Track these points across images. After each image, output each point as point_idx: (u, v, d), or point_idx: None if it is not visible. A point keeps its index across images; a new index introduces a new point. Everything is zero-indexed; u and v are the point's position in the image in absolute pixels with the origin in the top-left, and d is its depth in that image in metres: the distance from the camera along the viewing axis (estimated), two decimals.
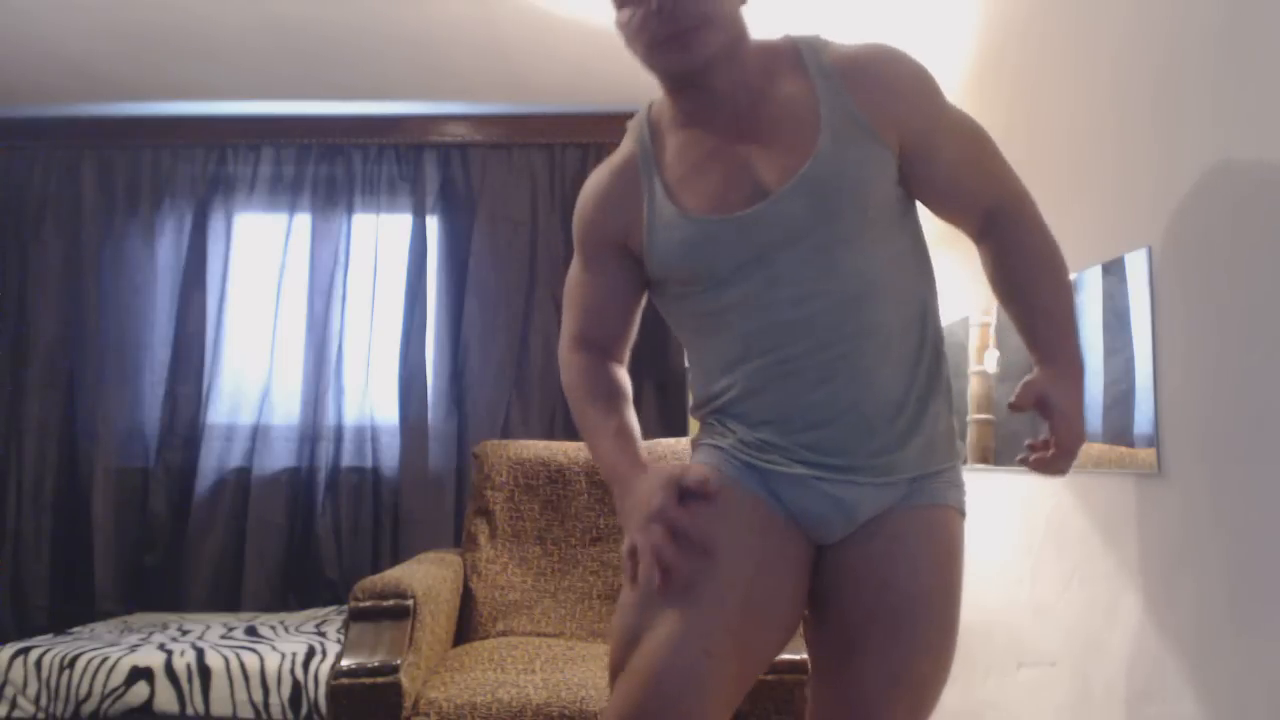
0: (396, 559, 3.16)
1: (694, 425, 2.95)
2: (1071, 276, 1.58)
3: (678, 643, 1.06)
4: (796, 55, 1.20)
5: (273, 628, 2.76)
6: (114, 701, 2.32)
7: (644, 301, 1.34)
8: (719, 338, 1.21)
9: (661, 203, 1.21)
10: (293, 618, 2.94)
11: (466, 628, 2.48)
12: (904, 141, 1.18)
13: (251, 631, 2.70)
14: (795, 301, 1.15)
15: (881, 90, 1.16)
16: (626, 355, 1.37)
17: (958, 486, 1.24)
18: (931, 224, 1.27)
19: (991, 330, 1.90)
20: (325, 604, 3.18)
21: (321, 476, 3.26)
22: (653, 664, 1.06)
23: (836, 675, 1.19)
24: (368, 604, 2.01)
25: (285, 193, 3.42)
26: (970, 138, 1.22)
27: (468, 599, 2.50)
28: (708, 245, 1.17)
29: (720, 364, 1.22)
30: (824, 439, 1.16)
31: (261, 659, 2.37)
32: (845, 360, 1.15)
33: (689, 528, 1.10)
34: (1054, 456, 1.16)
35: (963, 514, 1.24)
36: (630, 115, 1.33)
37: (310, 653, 2.41)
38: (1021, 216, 1.21)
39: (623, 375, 1.35)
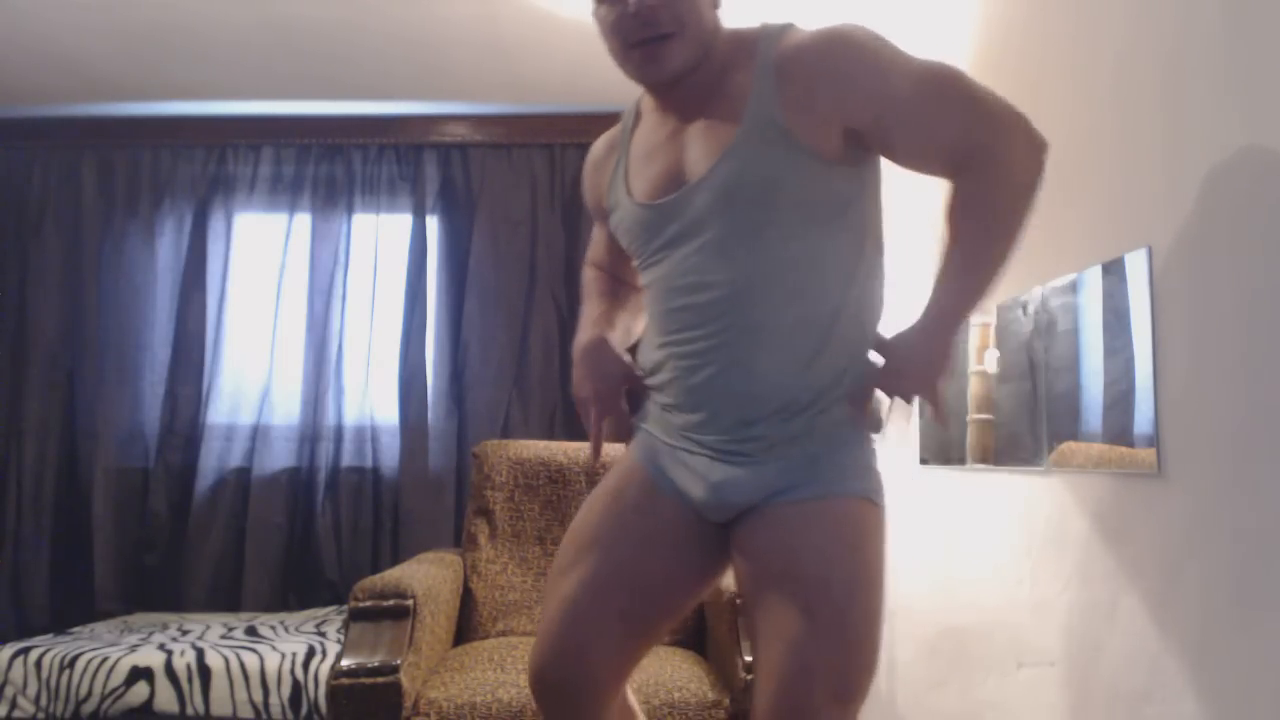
0: (396, 559, 3.16)
1: None
2: (1071, 277, 1.58)
3: (573, 618, 1.27)
4: (755, 46, 1.21)
5: (273, 628, 2.76)
6: (114, 701, 2.32)
7: None
8: (650, 308, 1.33)
9: (619, 182, 1.34)
10: (293, 618, 2.94)
11: (466, 628, 2.48)
12: (855, 127, 1.17)
13: (251, 631, 2.70)
14: (690, 290, 1.23)
15: (818, 84, 1.16)
16: (636, 279, 1.48)
17: (863, 475, 1.22)
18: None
19: (991, 330, 1.90)
20: (325, 604, 3.18)
21: (321, 476, 3.25)
22: (554, 630, 1.28)
23: (762, 660, 1.20)
24: (368, 604, 2.01)
25: (285, 193, 3.42)
26: (927, 98, 1.16)
27: (468, 599, 2.50)
28: (636, 227, 1.29)
29: (649, 337, 1.34)
30: (700, 421, 1.24)
31: (261, 659, 2.37)
32: (726, 349, 1.21)
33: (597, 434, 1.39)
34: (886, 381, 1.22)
35: (874, 502, 1.22)
36: None
37: (310, 653, 2.41)
38: (982, 169, 1.15)
39: (630, 292, 1.52)
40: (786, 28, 1.22)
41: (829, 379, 1.21)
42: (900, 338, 1.21)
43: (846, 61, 1.16)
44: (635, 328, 1.48)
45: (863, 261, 1.24)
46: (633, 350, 1.42)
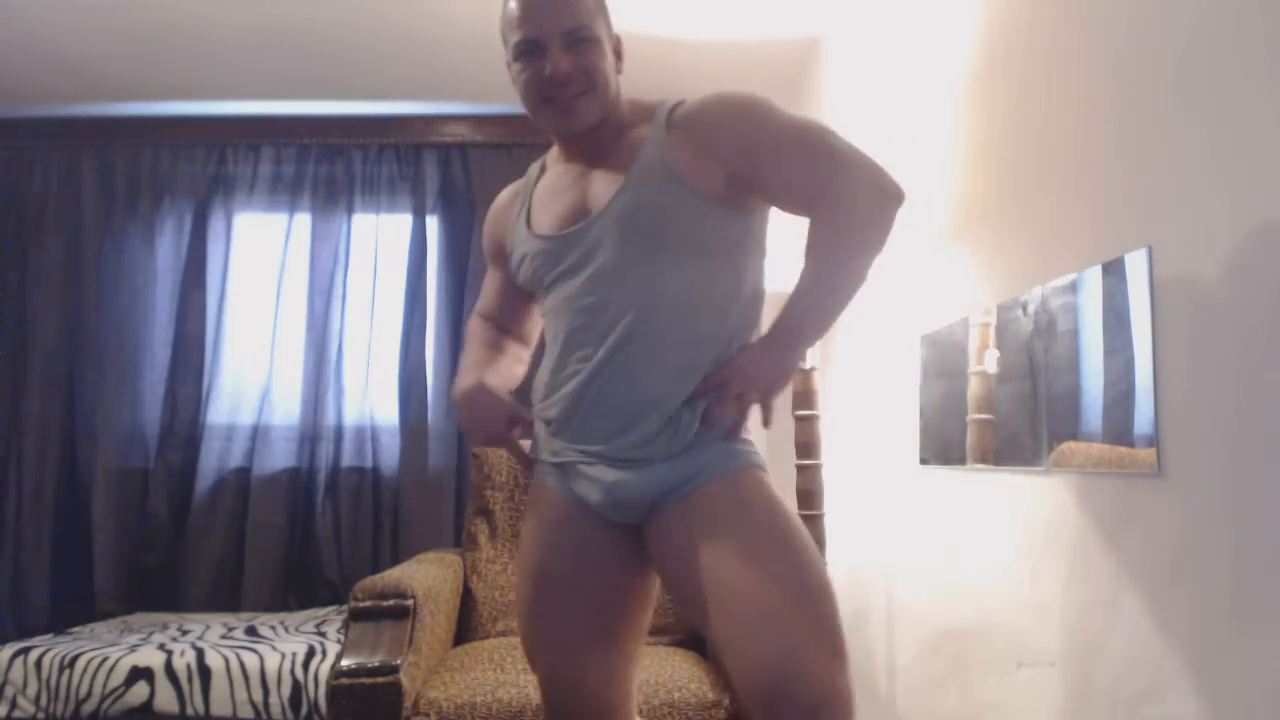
0: (396, 559, 3.16)
1: None
2: (1071, 277, 1.58)
3: (552, 650, 1.37)
4: (653, 111, 1.40)
5: (273, 628, 2.76)
6: (114, 701, 2.32)
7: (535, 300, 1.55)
8: (549, 334, 1.44)
9: (520, 223, 1.47)
10: (293, 618, 2.94)
11: (466, 628, 2.48)
12: (736, 174, 1.33)
13: (251, 631, 2.70)
14: (589, 310, 1.35)
15: (702, 137, 1.33)
16: (526, 334, 1.64)
17: (741, 454, 1.34)
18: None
19: (991, 330, 1.90)
20: (325, 604, 3.19)
21: (321, 476, 3.26)
22: (544, 669, 1.39)
23: (724, 644, 1.20)
24: (368, 604, 2.01)
25: (285, 193, 3.43)
26: (794, 146, 1.32)
27: (468, 599, 2.50)
28: (538, 256, 1.41)
29: (549, 358, 1.42)
30: (589, 430, 1.34)
31: (261, 659, 2.38)
32: (615, 362, 1.32)
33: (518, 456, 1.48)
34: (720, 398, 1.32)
35: (759, 467, 1.34)
36: None
37: (310, 653, 2.41)
38: (834, 209, 1.31)
39: (511, 342, 1.62)
40: (682, 100, 1.39)
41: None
42: (748, 345, 1.37)
43: (728, 115, 1.34)
44: (516, 372, 1.58)
45: (741, 295, 1.38)
46: (518, 393, 1.51)
